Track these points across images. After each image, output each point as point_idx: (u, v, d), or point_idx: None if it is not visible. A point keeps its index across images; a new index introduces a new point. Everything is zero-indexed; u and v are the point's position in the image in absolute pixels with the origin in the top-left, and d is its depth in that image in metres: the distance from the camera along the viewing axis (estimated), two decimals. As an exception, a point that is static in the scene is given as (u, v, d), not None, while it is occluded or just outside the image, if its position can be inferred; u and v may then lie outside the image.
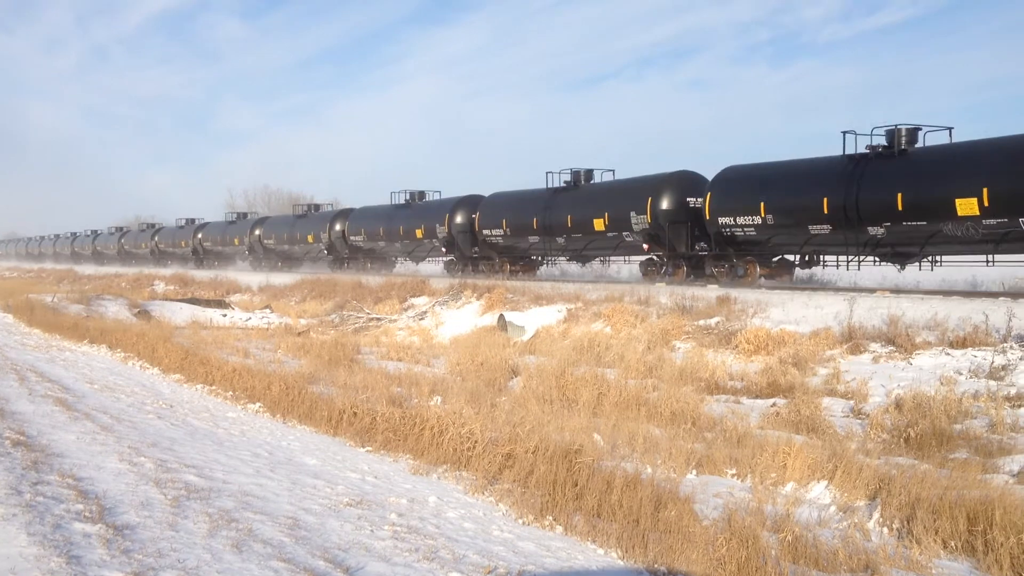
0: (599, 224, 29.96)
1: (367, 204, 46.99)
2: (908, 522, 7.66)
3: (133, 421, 11.36)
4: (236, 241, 57.71)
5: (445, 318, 25.11)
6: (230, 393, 14.12)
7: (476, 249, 36.90)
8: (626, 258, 32.08)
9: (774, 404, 13.15)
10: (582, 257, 33.39)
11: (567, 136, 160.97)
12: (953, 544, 7.32)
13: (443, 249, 39.08)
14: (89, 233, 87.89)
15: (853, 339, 15.87)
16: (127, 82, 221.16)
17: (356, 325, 25.76)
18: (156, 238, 70.84)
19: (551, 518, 7.73)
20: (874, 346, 15.47)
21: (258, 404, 13.24)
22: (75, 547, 6.14)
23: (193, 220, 67.00)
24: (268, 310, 30.97)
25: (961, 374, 13.53)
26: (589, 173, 32.72)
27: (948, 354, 14.41)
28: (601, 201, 30.50)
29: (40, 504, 7.11)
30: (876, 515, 7.93)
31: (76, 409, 11.95)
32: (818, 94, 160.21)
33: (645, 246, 28.88)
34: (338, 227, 46.61)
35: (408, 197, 42.53)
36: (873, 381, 13.76)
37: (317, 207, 54.32)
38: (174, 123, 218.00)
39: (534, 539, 7.15)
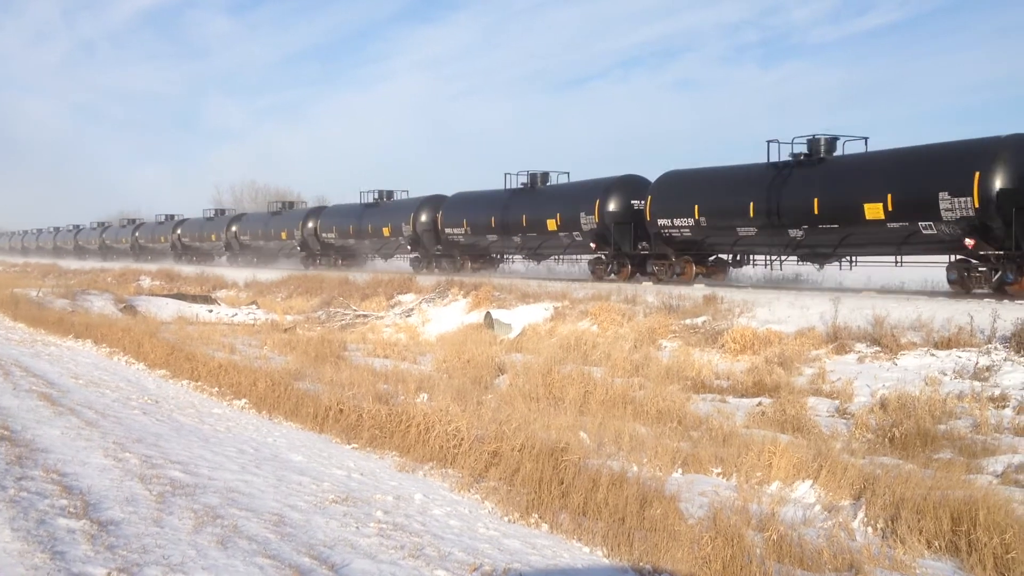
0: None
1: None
2: (892, 522, 7.70)
3: (118, 416, 11.31)
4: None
5: (432, 315, 25.10)
6: (216, 389, 14.07)
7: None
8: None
9: (760, 403, 13.19)
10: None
11: (553, 136, 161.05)
12: (937, 544, 7.36)
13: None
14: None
15: (838, 339, 15.94)
16: (114, 78, 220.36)
17: (343, 322, 25.72)
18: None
19: (537, 516, 7.74)
20: (859, 346, 15.54)
21: (244, 400, 13.20)
22: (59, 543, 6.10)
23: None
24: (254, 306, 30.89)
25: (946, 375, 13.60)
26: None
27: (933, 355, 14.48)
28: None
29: (24, 499, 7.07)
30: (861, 515, 7.97)
31: (61, 404, 11.88)
32: (807, 95, 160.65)
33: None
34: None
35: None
36: (858, 381, 13.83)
37: (291, 204, 56.59)
38: (161, 119, 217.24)
39: (520, 537, 7.16)
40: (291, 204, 56.83)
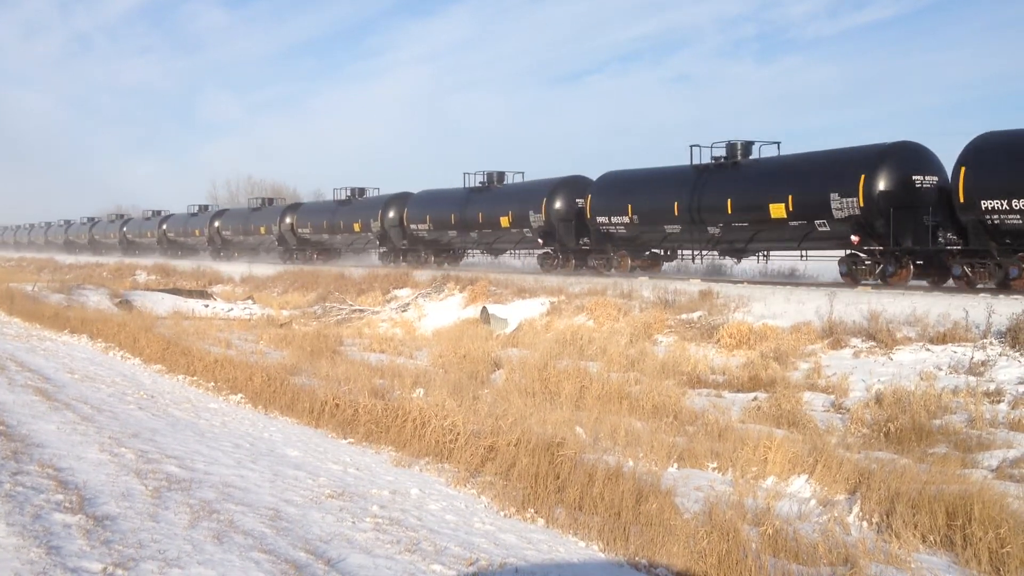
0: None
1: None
2: (888, 516, 7.71)
3: (114, 411, 11.30)
4: (197, 232, 60.75)
5: (428, 310, 25.08)
6: (212, 384, 14.06)
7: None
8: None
9: (755, 398, 13.21)
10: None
11: (550, 130, 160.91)
12: (932, 538, 7.38)
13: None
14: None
15: (834, 334, 15.96)
16: (108, 71, 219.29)
17: (339, 317, 25.70)
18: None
19: (533, 511, 7.74)
20: (855, 341, 15.57)
21: (240, 395, 13.19)
22: (55, 538, 6.10)
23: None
24: (250, 301, 30.85)
25: (941, 370, 13.63)
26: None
27: (928, 350, 14.51)
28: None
29: (20, 494, 7.07)
30: (856, 509, 7.98)
31: (56, 399, 11.87)
32: (804, 90, 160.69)
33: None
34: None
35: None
36: (854, 376, 13.85)
37: (271, 201, 58.46)
38: (156, 113, 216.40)
39: (516, 531, 7.17)
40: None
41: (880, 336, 15.29)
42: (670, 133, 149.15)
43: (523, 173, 36.43)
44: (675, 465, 9.59)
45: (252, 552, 6.14)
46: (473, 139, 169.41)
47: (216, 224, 58.28)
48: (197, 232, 60.56)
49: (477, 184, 37.00)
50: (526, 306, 22.23)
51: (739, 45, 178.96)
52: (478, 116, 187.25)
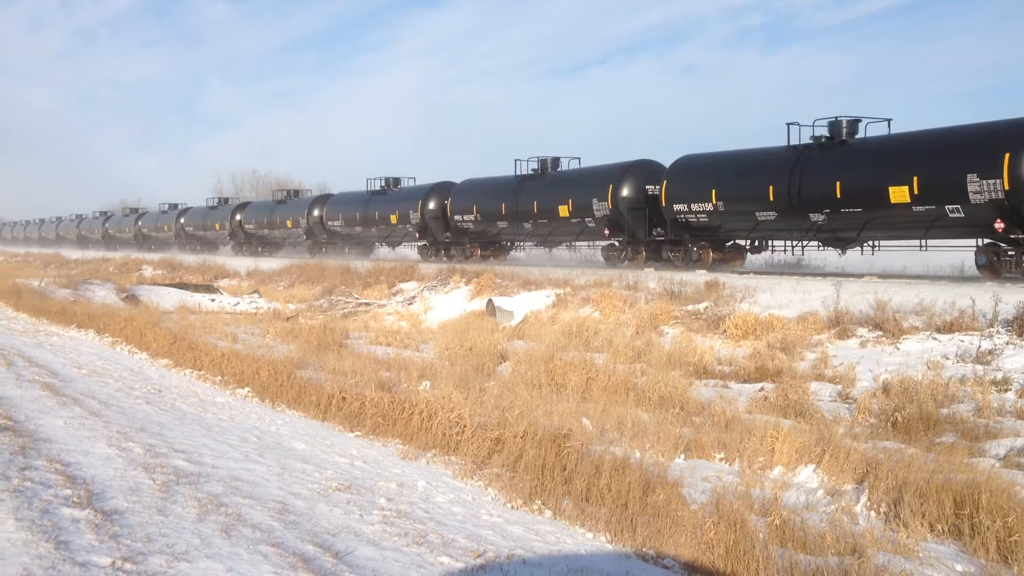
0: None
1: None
2: (895, 506, 7.70)
3: (121, 406, 11.33)
4: (217, 226, 58.82)
5: (434, 303, 25.09)
6: (219, 378, 14.09)
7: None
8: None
9: (762, 389, 13.19)
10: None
11: (555, 123, 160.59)
12: (940, 527, 7.37)
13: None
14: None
15: (840, 324, 15.93)
16: (112, 66, 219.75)
17: (345, 310, 25.72)
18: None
19: (540, 502, 7.75)
20: (861, 331, 15.53)
21: (247, 389, 13.21)
22: (64, 532, 6.12)
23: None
24: (256, 295, 30.89)
25: (948, 359, 13.60)
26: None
27: (935, 339, 14.47)
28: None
29: (28, 489, 7.09)
30: (863, 499, 7.98)
31: (64, 394, 11.90)
32: (810, 80, 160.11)
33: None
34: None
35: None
36: (860, 366, 13.82)
37: (296, 193, 55.74)
38: (159, 107, 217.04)
39: (523, 523, 7.17)
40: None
41: (887, 326, 15.26)
42: (676, 125, 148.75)
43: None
44: (682, 456, 9.59)
45: (260, 545, 6.15)
46: (477, 131, 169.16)
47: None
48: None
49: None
50: (532, 298, 22.22)
51: (745, 35, 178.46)
52: (482, 108, 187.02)
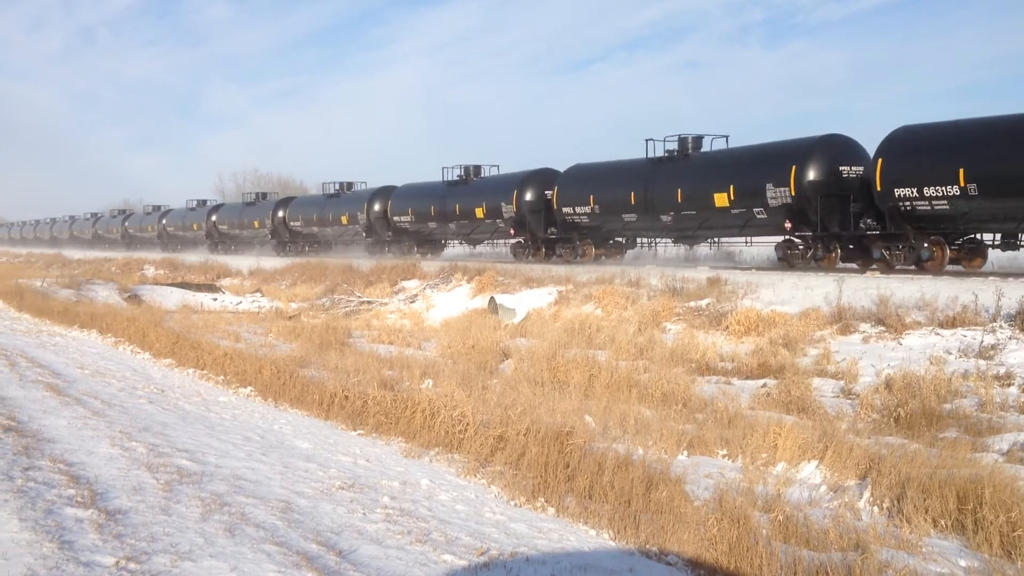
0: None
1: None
2: (898, 501, 7.69)
3: (124, 406, 11.34)
4: (195, 226, 62.38)
5: (436, 301, 25.09)
6: (221, 377, 14.09)
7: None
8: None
9: (764, 385, 13.18)
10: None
11: (556, 120, 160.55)
12: (943, 522, 7.36)
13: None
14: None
15: (843, 319, 15.92)
16: (113, 65, 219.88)
17: (347, 309, 25.74)
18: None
19: (543, 500, 7.75)
20: (864, 326, 15.52)
21: (249, 388, 13.22)
22: (67, 532, 6.13)
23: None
24: (259, 294, 30.93)
25: (951, 354, 13.58)
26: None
27: (938, 334, 14.46)
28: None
29: (32, 489, 7.10)
30: (866, 494, 7.97)
31: (67, 394, 11.92)
32: (812, 75, 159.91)
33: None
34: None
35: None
36: (863, 361, 13.81)
37: (264, 195, 59.95)
38: (161, 106, 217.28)
39: (526, 521, 7.18)
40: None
41: (889, 321, 15.25)
42: (679, 121, 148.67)
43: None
44: (685, 453, 9.58)
45: (264, 544, 6.16)
46: (479, 129, 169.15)
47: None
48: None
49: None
50: (534, 296, 22.22)
51: (746, 30, 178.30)
52: (484, 105, 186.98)
